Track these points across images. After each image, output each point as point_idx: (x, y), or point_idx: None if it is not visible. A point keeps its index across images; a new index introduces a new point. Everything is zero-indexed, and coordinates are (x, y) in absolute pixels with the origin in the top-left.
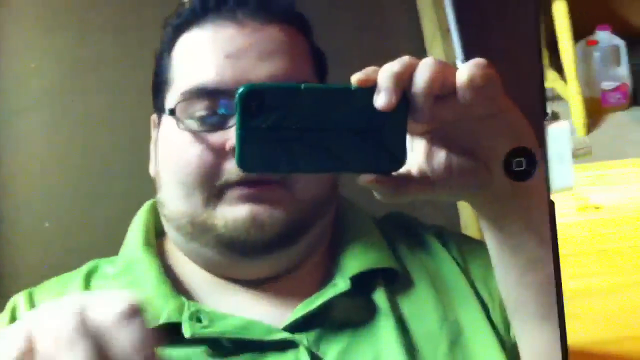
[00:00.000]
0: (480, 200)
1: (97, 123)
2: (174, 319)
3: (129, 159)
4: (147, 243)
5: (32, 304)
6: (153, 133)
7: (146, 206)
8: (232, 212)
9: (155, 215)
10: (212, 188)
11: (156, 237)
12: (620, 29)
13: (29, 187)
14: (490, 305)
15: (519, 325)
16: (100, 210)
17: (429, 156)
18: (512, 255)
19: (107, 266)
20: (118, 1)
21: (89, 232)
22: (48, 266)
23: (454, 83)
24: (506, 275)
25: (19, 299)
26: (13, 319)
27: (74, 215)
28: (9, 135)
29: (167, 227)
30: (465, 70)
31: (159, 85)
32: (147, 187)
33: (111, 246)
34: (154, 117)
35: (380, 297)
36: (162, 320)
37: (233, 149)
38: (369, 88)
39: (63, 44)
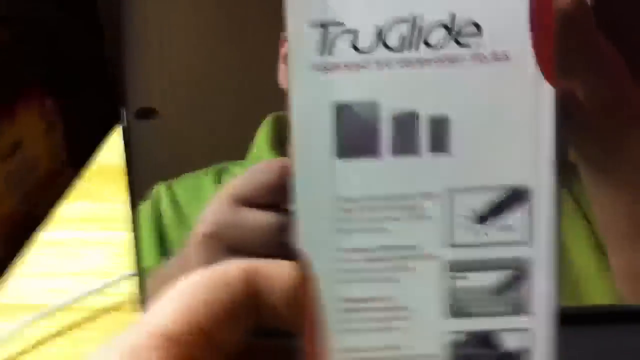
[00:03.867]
0: (572, 131)
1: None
2: None
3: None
4: (274, 147)
5: (172, 195)
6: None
7: (270, 117)
8: None
9: (279, 125)
10: None
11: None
12: None
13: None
14: (593, 223)
15: (612, 245)
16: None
17: None
18: (605, 176)
19: (235, 167)
20: None
21: (210, 139)
22: (172, 162)
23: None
24: (599, 195)
25: (160, 191)
26: (157, 208)
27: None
28: None
29: None
30: (560, 1)
31: None
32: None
33: (231, 152)
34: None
35: None
36: None
37: None
38: None
39: None
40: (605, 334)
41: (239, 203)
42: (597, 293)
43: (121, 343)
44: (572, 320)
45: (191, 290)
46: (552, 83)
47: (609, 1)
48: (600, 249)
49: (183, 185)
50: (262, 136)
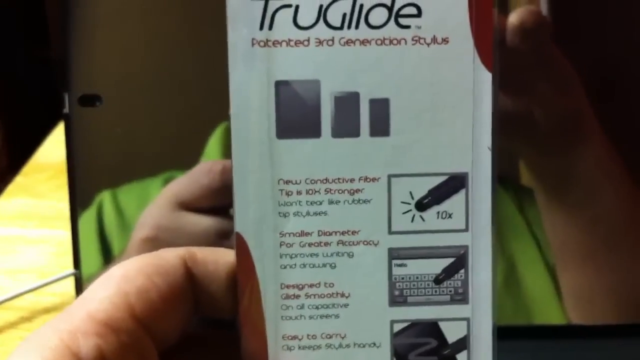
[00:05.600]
0: (527, 149)
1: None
2: None
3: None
4: (227, 157)
5: (116, 202)
6: None
7: (224, 125)
8: None
9: (228, 135)
10: None
11: None
12: None
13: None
14: (544, 245)
15: (562, 265)
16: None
17: None
18: (559, 196)
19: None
20: None
21: (158, 145)
22: (118, 167)
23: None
24: (553, 217)
25: (104, 198)
26: (99, 215)
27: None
28: None
29: None
30: (516, 15)
31: None
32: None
33: (178, 161)
34: None
35: None
36: None
37: None
38: None
39: None
40: (554, 350)
41: (180, 207)
42: (547, 313)
43: (58, 325)
44: (522, 335)
45: (127, 276)
46: (490, 69)
47: (565, 16)
48: (550, 270)
49: (129, 192)
50: (214, 144)
